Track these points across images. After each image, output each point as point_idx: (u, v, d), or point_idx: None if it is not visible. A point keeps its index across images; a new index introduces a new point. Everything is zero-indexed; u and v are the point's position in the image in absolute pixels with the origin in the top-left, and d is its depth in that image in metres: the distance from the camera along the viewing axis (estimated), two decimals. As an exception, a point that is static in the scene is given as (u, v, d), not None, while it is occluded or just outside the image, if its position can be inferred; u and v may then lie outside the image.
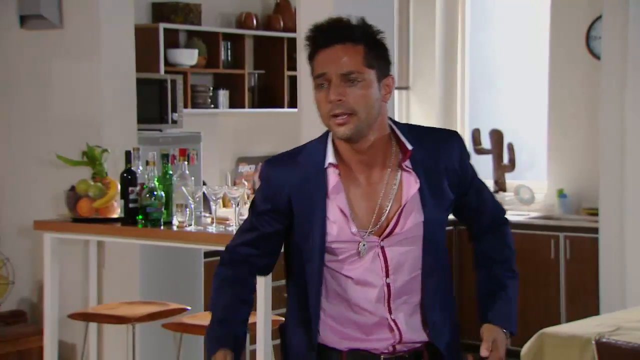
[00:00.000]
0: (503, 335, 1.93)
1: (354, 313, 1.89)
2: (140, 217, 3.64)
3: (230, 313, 1.95)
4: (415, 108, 6.34)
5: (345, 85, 1.81)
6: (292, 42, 5.54)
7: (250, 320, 3.41)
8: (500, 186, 5.95)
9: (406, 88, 6.33)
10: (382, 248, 1.86)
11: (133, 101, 4.32)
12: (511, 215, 5.64)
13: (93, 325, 4.02)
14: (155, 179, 3.62)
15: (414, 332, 1.90)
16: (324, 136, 1.91)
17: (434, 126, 2.10)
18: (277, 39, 5.66)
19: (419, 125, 1.97)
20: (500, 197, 5.91)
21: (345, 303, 1.89)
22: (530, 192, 5.81)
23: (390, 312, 1.88)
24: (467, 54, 6.27)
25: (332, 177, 1.87)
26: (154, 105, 4.83)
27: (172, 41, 5.22)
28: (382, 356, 1.90)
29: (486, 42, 6.25)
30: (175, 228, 3.57)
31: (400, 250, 1.87)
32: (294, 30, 5.39)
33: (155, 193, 3.59)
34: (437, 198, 1.88)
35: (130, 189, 3.67)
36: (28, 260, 4.43)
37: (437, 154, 1.90)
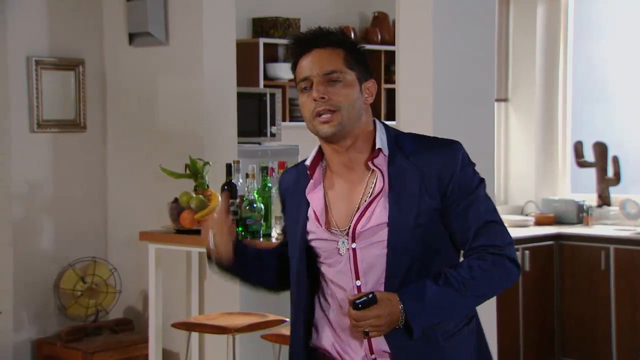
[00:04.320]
0: (398, 310, 1.79)
1: (338, 314, 1.90)
2: (240, 229, 3.70)
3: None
4: (514, 120, 6.22)
5: (328, 85, 1.87)
6: (390, 55, 5.54)
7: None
8: (604, 200, 5.76)
9: (505, 100, 6.22)
10: (354, 250, 1.87)
11: (233, 115, 4.42)
12: (616, 231, 5.45)
13: (195, 335, 4.11)
14: (255, 192, 3.69)
15: (382, 340, 1.86)
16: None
17: (435, 137, 2.01)
18: (374, 52, 5.67)
19: (414, 134, 1.96)
20: (604, 211, 5.73)
21: (335, 305, 1.92)
22: (637, 206, 5.60)
23: None
24: (569, 65, 6.11)
25: (314, 175, 1.94)
26: (253, 118, 4.92)
27: (272, 55, 5.30)
28: None
29: (589, 52, 6.08)
30: (274, 240, 3.62)
31: (372, 253, 1.86)
32: (392, 43, 5.38)
33: (254, 205, 3.65)
34: (407, 201, 1.85)
35: (230, 201, 3.74)
36: (134, 270, 4.57)
37: (416, 158, 1.88)
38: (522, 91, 6.17)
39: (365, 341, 1.87)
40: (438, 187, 1.86)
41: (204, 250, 4.01)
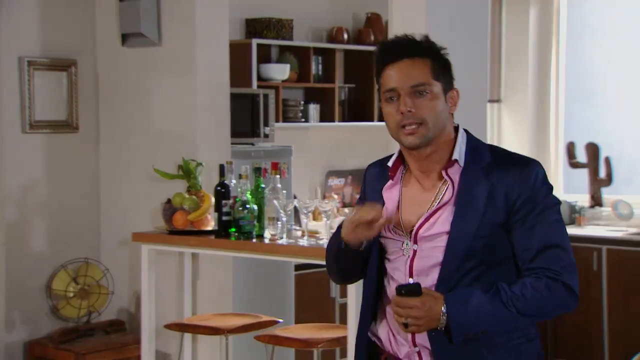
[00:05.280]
0: (439, 309, 1.80)
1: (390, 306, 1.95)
2: (233, 229, 3.70)
3: None
4: (507, 121, 6.24)
5: (415, 97, 1.90)
6: (383, 55, 5.54)
7: (341, 334, 3.43)
8: (597, 201, 5.78)
9: (498, 101, 6.24)
10: (414, 251, 1.92)
11: (227, 116, 4.41)
12: (608, 231, 5.47)
13: (188, 336, 4.10)
14: (248, 192, 3.68)
15: (426, 336, 1.89)
16: None
17: (519, 152, 2.03)
18: (367, 52, 5.67)
19: (494, 146, 1.98)
20: (596, 212, 5.74)
21: (391, 297, 1.96)
22: (629, 207, 5.62)
23: None
24: (561, 66, 6.13)
25: (392, 178, 2.01)
26: (246, 119, 4.92)
27: (265, 56, 5.30)
28: None
29: (582, 52, 6.10)
30: (267, 241, 3.62)
31: (429, 256, 1.91)
32: (385, 44, 5.39)
33: (247, 206, 3.65)
34: (472, 214, 1.87)
35: (223, 202, 3.74)
36: (126, 271, 4.56)
37: (490, 172, 1.90)
38: (515, 92, 6.19)
39: (410, 335, 1.90)
40: (505, 203, 1.87)
41: (196, 251, 4.04)
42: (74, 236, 4.57)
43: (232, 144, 4.46)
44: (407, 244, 1.93)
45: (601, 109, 6.03)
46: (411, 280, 1.91)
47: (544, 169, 1.93)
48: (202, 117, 4.32)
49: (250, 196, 3.67)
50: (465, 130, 1.98)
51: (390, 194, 1.99)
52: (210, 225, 3.90)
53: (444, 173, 1.92)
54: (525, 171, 1.89)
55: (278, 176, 3.67)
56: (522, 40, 6.12)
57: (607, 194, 5.78)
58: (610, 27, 6.01)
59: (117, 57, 4.56)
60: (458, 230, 1.87)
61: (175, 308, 4.28)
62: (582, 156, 5.85)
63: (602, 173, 5.78)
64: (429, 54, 1.92)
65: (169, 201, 3.95)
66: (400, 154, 2.00)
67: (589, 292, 5.28)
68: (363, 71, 5.70)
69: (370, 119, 5.71)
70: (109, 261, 4.60)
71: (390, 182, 2.00)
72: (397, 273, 1.95)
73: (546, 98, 6.14)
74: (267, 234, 3.65)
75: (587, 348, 5.32)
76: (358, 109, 5.74)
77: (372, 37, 5.73)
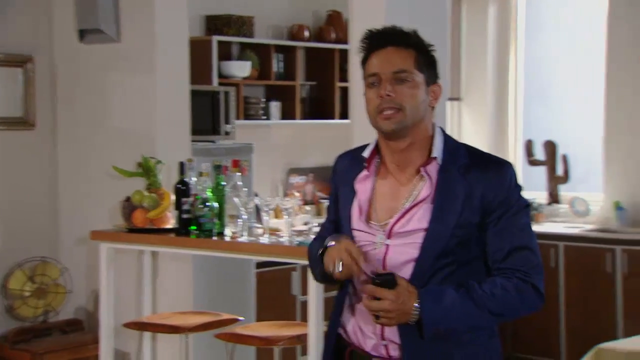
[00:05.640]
0: (411, 304, 1.82)
1: (361, 302, 1.95)
2: (193, 227, 3.67)
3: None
4: (466, 119, 6.29)
5: (395, 83, 1.91)
6: (344, 53, 5.56)
7: (301, 332, 3.43)
8: (554, 198, 5.86)
9: (458, 99, 6.29)
10: (387, 246, 1.92)
11: (187, 113, 4.38)
12: (566, 228, 5.55)
13: (147, 335, 4.07)
14: (209, 190, 3.66)
15: (396, 331, 1.90)
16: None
17: (489, 151, 2.09)
18: (328, 50, 5.68)
19: (470, 146, 2.00)
20: (554, 209, 5.82)
21: (359, 289, 1.96)
22: (585, 204, 5.71)
23: None
24: (520, 65, 6.21)
25: (367, 169, 2.00)
26: (207, 116, 4.89)
27: (225, 53, 5.28)
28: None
29: (540, 52, 6.18)
30: (227, 239, 3.60)
31: (403, 252, 1.91)
32: (346, 42, 5.41)
33: (208, 204, 3.63)
34: (449, 213, 1.89)
35: (183, 199, 3.72)
36: (85, 269, 4.50)
37: (467, 172, 1.91)
38: (475, 90, 6.25)
39: (379, 328, 1.91)
40: (481, 204, 1.90)
41: (156, 249, 4.00)
42: (31, 235, 4.50)
43: (192, 141, 4.43)
44: (380, 238, 1.93)
45: (559, 107, 6.12)
46: None
47: (515, 170, 1.97)
48: (162, 114, 4.29)
49: (210, 194, 3.65)
50: (441, 129, 1.99)
51: (363, 185, 1.99)
52: (170, 223, 3.87)
53: (422, 170, 1.93)
54: (501, 173, 1.93)
55: (239, 174, 3.65)
56: (481, 39, 6.18)
57: (564, 191, 5.87)
58: (565, 26, 6.10)
59: (74, 54, 4.50)
60: (436, 228, 1.89)
61: (134, 307, 4.24)
62: (540, 154, 5.93)
63: (560, 170, 5.86)
64: (414, 46, 1.94)
65: (128, 199, 3.91)
66: (376, 145, 2.00)
67: (546, 288, 5.33)
68: (324, 69, 5.70)
69: (331, 116, 5.72)
70: (67, 260, 4.54)
71: (364, 173, 1.99)
72: (368, 267, 1.94)
73: (505, 96, 6.21)
74: (228, 231, 3.64)
75: (545, 344, 5.39)
76: (319, 107, 5.75)
77: (333, 35, 5.74)
